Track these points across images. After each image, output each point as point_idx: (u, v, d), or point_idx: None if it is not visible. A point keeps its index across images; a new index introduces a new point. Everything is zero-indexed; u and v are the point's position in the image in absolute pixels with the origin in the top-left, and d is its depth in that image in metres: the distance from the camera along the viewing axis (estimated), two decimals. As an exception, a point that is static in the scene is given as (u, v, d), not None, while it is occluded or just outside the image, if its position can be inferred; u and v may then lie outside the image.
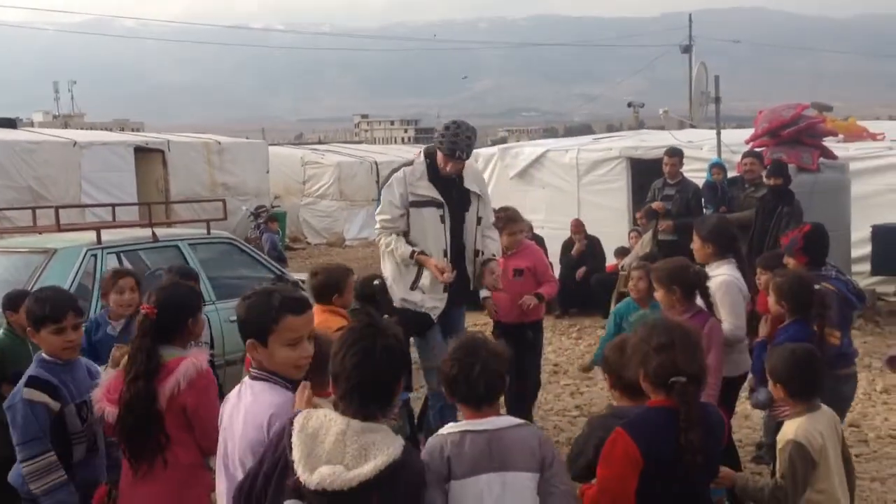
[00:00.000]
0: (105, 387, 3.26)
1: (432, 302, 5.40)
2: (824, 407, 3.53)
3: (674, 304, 4.46)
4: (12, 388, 3.59)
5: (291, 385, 2.67)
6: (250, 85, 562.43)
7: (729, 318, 4.62)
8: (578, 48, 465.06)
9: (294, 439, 2.32)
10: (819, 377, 3.55)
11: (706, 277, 4.59)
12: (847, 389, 4.71)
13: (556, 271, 8.90)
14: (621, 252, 11.16)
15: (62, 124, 46.94)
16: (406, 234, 5.47)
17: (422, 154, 5.65)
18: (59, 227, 6.48)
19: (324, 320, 4.56)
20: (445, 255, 5.41)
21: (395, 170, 5.64)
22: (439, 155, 5.42)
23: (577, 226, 11.38)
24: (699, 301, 4.54)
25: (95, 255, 6.00)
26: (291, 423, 2.37)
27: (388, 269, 5.57)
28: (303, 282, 5.68)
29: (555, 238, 10.91)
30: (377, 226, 5.63)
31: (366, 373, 2.36)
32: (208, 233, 7.09)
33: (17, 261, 5.96)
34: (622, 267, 10.72)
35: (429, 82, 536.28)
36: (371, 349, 2.37)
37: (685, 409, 2.81)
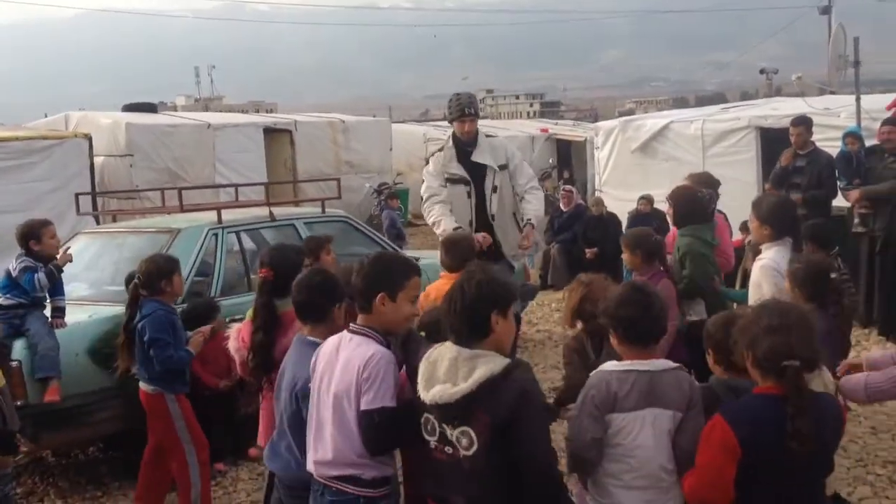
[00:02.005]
0: (239, 338, 4.07)
1: None
2: None
3: (637, 266, 5.05)
4: None
5: (384, 340, 3.04)
6: (377, 63, 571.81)
7: None
8: (707, 14, 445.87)
9: (420, 367, 2.81)
10: None
11: (663, 244, 5.20)
12: None
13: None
14: (748, 227, 10.66)
15: (203, 107, 49.09)
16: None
17: (450, 139, 6.59)
18: (181, 208, 6.78)
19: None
20: (470, 225, 6.38)
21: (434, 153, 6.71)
22: (455, 126, 6.42)
23: (701, 200, 10.95)
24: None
25: (216, 234, 6.25)
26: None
27: None
28: (417, 259, 5.71)
29: (677, 213, 10.55)
30: (425, 203, 6.48)
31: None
32: (323, 211, 7.27)
33: (146, 240, 6.26)
34: (748, 242, 10.25)
35: (554, 55, 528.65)
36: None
37: (795, 394, 2.63)
